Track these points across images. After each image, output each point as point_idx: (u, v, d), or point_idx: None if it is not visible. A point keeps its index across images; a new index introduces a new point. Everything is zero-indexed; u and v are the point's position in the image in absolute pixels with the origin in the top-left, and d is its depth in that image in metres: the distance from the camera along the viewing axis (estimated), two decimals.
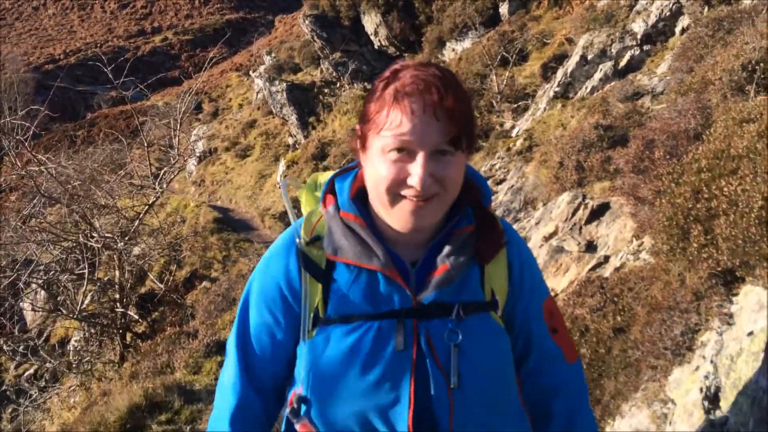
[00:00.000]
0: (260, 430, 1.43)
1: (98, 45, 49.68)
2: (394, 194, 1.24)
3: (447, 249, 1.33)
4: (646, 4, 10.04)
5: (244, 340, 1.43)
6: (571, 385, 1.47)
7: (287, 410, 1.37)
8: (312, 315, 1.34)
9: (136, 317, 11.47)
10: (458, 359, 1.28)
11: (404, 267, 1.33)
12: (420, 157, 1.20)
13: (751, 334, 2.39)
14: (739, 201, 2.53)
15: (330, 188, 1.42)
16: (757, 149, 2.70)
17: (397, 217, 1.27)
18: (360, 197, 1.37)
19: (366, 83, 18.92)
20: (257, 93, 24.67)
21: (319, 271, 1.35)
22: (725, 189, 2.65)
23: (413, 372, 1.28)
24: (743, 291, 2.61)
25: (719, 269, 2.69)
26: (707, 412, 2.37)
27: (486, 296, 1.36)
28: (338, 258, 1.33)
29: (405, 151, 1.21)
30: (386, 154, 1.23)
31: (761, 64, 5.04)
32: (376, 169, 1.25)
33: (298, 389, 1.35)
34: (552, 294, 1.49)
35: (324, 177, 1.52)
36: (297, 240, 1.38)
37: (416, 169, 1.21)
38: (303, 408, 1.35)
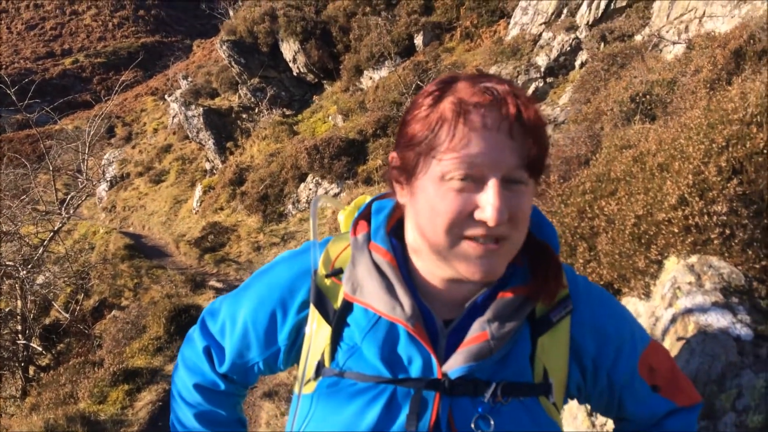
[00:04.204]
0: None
1: (3, 67, 47.55)
2: (456, 235, 0.96)
3: (490, 312, 1.04)
4: (549, 39, 10.64)
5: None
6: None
7: None
8: (315, 363, 1.11)
9: (40, 349, 10.95)
10: None
11: (434, 326, 1.06)
12: (492, 184, 0.93)
13: None
14: (616, 219, 2.76)
15: (366, 213, 1.16)
16: (632, 172, 2.95)
17: (459, 265, 0.99)
18: (396, 233, 1.13)
19: (284, 109, 18.95)
20: (173, 117, 24.21)
21: (330, 312, 1.11)
22: (605, 209, 2.88)
23: None
24: (622, 302, 2.82)
25: (602, 282, 2.90)
26: (590, 414, 2.55)
27: (536, 377, 1.07)
28: (356, 299, 1.07)
29: (470, 179, 0.94)
30: (446, 183, 0.95)
31: (646, 96, 5.48)
32: (432, 202, 0.97)
33: None
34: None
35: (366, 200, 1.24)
36: (312, 270, 1.14)
37: (489, 199, 0.93)
38: None
